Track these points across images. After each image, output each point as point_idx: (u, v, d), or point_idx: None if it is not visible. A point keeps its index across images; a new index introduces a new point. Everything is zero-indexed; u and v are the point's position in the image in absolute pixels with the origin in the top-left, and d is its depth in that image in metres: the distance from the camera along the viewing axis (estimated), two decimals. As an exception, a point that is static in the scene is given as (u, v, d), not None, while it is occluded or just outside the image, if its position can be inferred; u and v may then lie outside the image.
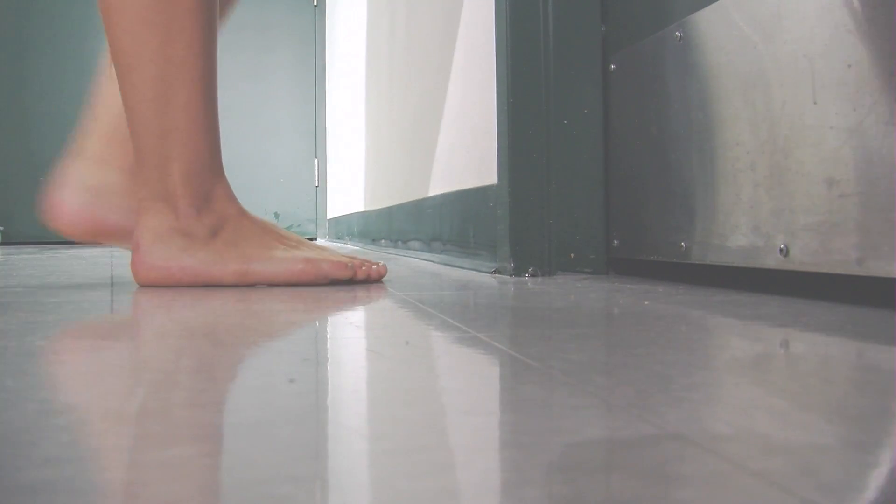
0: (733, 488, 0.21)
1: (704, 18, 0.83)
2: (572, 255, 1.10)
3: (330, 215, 3.39)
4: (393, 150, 1.94)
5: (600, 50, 1.10)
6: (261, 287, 0.86)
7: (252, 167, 3.54)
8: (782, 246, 0.70)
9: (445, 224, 1.40)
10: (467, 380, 0.38)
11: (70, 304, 0.70)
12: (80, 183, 0.93)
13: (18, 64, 3.49)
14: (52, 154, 3.75)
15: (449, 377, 0.38)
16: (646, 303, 0.68)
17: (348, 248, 2.37)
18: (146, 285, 0.87)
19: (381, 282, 0.93)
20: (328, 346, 0.50)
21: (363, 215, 2.41)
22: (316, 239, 3.68)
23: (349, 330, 0.56)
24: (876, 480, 0.22)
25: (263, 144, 3.65)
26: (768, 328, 0.53)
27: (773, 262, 0.72)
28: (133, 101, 0.86)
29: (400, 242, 1.82)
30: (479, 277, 1.01)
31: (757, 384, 0.35)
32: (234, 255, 0.87)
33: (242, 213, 0.91)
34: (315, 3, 3.77)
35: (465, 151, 1.29)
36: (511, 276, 1.01)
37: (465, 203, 1.28)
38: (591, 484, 0.22)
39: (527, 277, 0.99)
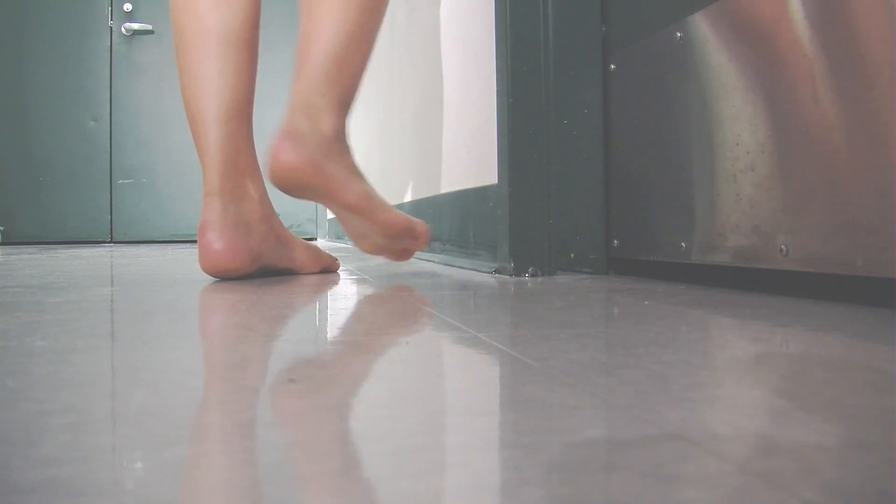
0: (733, 488, 0.21)
1: (704, 18, 0.83)
2: (572, 255, 1.09)
3: (330, 215, 3.39)
4: (392, 150, 1.94)
5: (600, 50, 1.10)
6: (259, 283, 0.86)
7: (252, 167, 3.53)
8: (782, 246, 0.70)
9: (445, 224, 1.40)
10: (467, 380, 0.38)
11: (70, 304, 0.70)
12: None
13: (18, 64, 3.49)
14: (52, 154, 3.74)
15: (449, 377, 0.38)
16: (646, 303, 0.68)
17: (347, 247, 2.36)
18: (281, 179, 0.88)
19: (382, 281, 0.93)
20: (328, 345, 0.50)
21: (363, 215, 2.41)
22: (315, 239, 3.69)
23: (349, 329, 0.56)
24: (876, 480, 0.22)
25: (263, 144, 3.63)
26: (768, 328, 0.53)
27: (772, 262, 0.72)
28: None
29: (400, 242, 1.82)
30: (479, 277, 1.01)
31: (757, 384, 0.35)
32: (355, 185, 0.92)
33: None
34: (315, 3, 3.77)
35: (464, 151, 1.29)
36: (511, 276, 1.01)
37: (465, 203, 1.28)
38: (591, 484, 0.22)
39: (527, 277, 0.99)
